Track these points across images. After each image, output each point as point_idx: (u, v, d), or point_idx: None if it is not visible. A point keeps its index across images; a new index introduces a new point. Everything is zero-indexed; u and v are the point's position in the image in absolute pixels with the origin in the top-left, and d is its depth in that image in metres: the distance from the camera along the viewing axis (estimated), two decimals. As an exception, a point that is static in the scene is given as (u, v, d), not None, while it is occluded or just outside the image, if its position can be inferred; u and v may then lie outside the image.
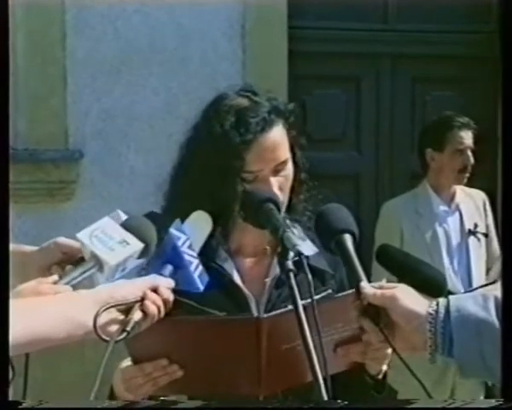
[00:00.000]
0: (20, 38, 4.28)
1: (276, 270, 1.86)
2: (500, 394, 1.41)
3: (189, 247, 1.62)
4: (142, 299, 1.44)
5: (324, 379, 1.36)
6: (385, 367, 1.77)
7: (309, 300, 1.44)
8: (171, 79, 4.56)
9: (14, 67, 4.15)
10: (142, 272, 1.59)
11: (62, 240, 1.63)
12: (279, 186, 1.82)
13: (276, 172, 1.83)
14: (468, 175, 3.91)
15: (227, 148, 1.79)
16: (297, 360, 1.52)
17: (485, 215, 4.01)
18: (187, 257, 1.59)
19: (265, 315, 1.58)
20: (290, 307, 1.48)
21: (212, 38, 4.62)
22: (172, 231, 1.61)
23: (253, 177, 1.81)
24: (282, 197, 1.83)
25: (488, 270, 3.93)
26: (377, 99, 5.06)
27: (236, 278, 1.86)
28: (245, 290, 1.85)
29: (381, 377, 1.79)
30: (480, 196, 4.06)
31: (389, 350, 1.65)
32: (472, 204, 4.01)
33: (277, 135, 1.83)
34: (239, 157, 1.79)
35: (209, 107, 1.89)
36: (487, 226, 3.99)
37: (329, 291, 1.81)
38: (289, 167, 1.86)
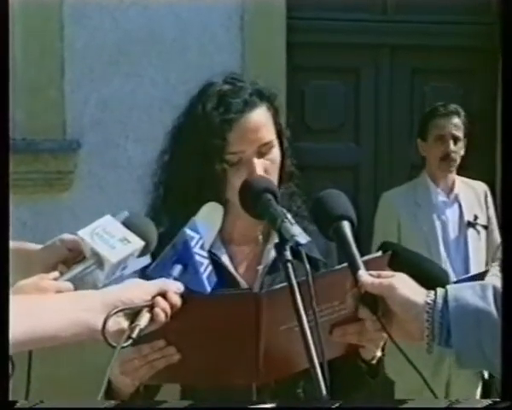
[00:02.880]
0: (18, 28, 4.27)
1: (268, 257, 1.88)
2: (500, 392, 1.40)
3: (201, 247, 1.62)
4: (151, 304, 1.43)
5: (321, 366, 1.36)
6: (379, 353, 1.77)
7: (304, 279, 1.45)
8: (170, 70, 4.55)
9: (11, 57, 4.13)
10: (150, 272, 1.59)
11: (67, 236, 1.62)
12: (264, 169, 1.82)
13: (260, 154, 1.82)
14: (453, 163, 3.89)
15: (208, 128, 1.80)
16: (293, 344, 1.52)
17: (487, 207, 4.00)
18: (198, 258, 1.59)
19: (264, 290, 1.57)
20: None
21: (211, 29, 4.61)
22: (187, 230, 1.61)
23: (237, 158, 1.81)
24: (273, 178, 1.82)
25: (487, 262, 3.91)
26: (376, 90, 5.05)
27: (230, 266, 1.87)
28: (238, 278, 1.87)
29: (374, 362, 1.79)
30: (481, 187, 4.05)
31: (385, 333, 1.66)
32: (473, 196, 4.00)
33: (260, 116, 1.84)
34: (220, 137, 1.79)
35: (194, 95, 1.90)
36: (488, 218, 3.97)
37: None
38: (275, 152, 1.86)
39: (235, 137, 1.80)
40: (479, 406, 1.51)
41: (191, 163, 1.84)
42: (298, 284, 1.44)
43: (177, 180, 1.87)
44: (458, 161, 3.92)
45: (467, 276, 3.65)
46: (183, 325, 1.57)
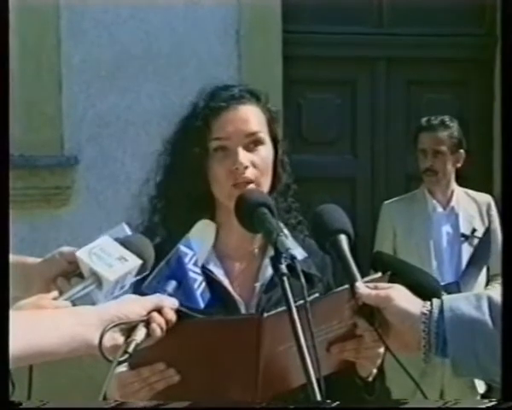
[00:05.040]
0: (15, 43, 4.28)
1: (265, 274, 1.87)
2: (500, 393, 1.41)
3: (195, 263, 1.63)
4: (147, 319, 1.44)
5: (318, 381, 1.36)
6: (375, 370, 1.77)
7: (302, 301, 1.45)
8: (166, 85, 4.56)
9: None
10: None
11: (67, 249, 1.62)
12: (252, 163, 1.81)
13: (247, 147, 1.82)
14: (433, 178, 3.88)
15: (196, 118, 1.82)
16: (291, 362, 1.52)
17: (489, 219, 3.97)
18: (192, 274, 1.60)
19: (266, 314, 1.57)
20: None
21: (207, 44, 4.62)
22: (181, 247, 1.62)
23: (221, 145, 1.81)
24: (263, 180, 1.83)
25: (494, 275, 3.89)
26: (372, 102, 5.07)
27: (226, 283, 1.85)
28: (235, 295, 1.85)
29: (371, 379, 1.79)
30: (484, 199, 4.02)
31: (381, 349, 1.66)
32: (474, 208, 3.97)
33: (250, 111, 1.84)
34: (205, 123, 1.81)
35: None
36: (493, 230, 3.94)
37: (316, 295, 1.81)
38: (266, 151, 1.85)
39: (221, 123, 1.81)
40: (480, 406, 1.52)
41: (181, 159, 1.85)
42: (296, 306, 1.44)
43: (170, 186, 1.88)
44: (443, 174, 3.89)
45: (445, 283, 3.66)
46: (183, 347, 1.57)
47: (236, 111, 1.82)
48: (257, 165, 1.82)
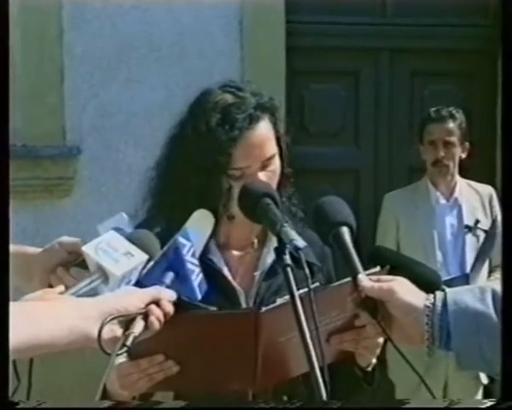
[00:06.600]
0: (17, 34, 4.28)
1: (265, 263, 1.89)
2: (500, 393, 1.41)
3: (193, 255, 1.63)
4: (145, 311, 1.44)
5: (321, 370, 1.36)
6: (374, 360, 1.77)
7: (305, 290, 1.45)
8: (169, 75, 4.55)
9: (11, 63, 4.13)
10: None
11: (66, 239, 1.63)
12: (268, 178, 1.82)
13: (263, 167, 1.83)
14: (444, 169, 3.88)
15: (213, 145, 1.78)
16: (291, 353, 1.53)
17: (491, 211, 3.97)
18: (189, 265, 1.60)
19: (264, 308, 1.57)
20: (287, 298, 1.48)
21: (210, 34, 4.61)
22: (179, 238, 1.62)
23: (241, 173, 1.81)
24: (274, 187, 1.82)
25: (495, 267, 3.89)
26: (376, 93, 5.05)
27: (226, 272, 1.88)
28: (234, 284, 1.87)
29: (370, 369, 1.80)
30: (486, 190, 4.03)
31: (381, 339, 1.66)
32: (477, 199, 3.98)
33: (264, 131, 1.83)
34: (225, 154, 1.79)
35: (194, 104, 1.88)
36: (494, 221, 3.94)
37: (317, 284, 1.82)
38: (276, 162, 1.86)
39: (240, 153, 1.80)
40: (480, 406, 1.52)
41: (193, 176, 1.83)
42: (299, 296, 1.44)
43: (177, 189, 1.87)
44: (452, 165, 3.90)
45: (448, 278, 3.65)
46: (182, 339, 1.58)
47: (253, 136, 1.81)
48: (271, 179, 1.84)
